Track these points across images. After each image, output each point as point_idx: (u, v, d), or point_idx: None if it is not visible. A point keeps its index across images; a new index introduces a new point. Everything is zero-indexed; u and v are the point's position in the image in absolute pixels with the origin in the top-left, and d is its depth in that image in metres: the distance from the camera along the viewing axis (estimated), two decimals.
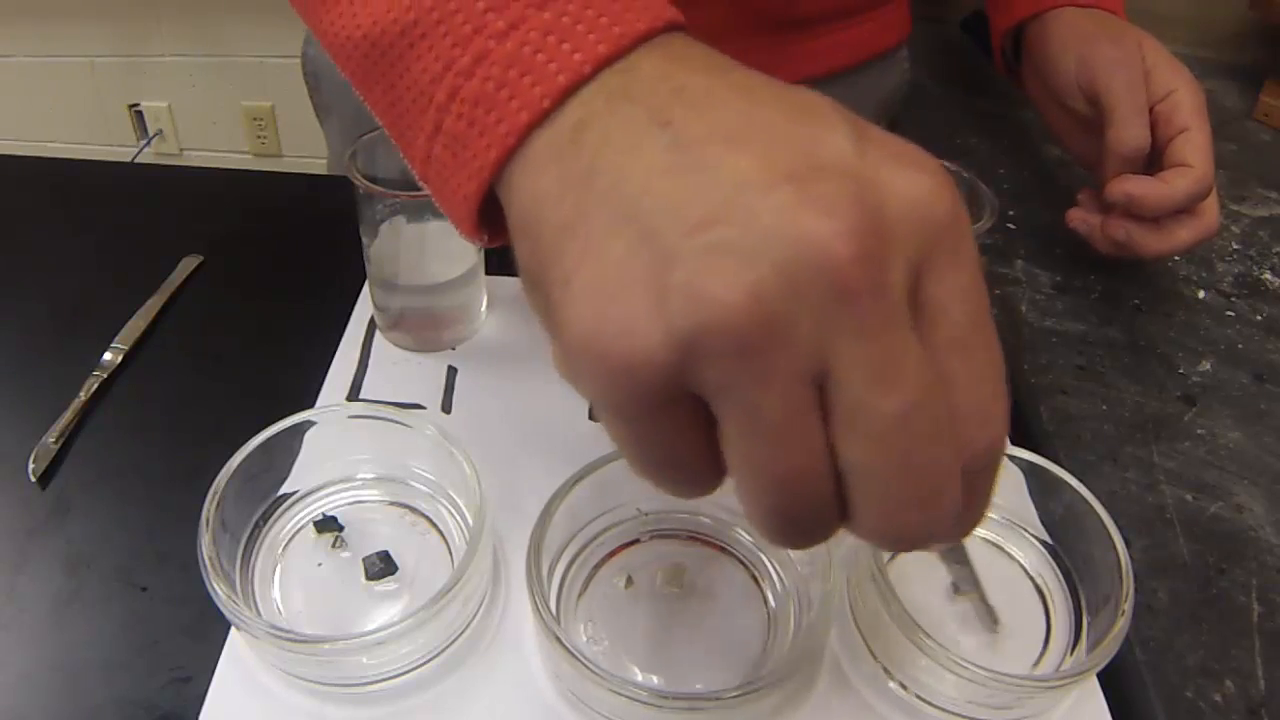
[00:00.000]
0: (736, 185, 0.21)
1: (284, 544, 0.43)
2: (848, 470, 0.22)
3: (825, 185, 0.21)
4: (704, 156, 0.22)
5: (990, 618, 0.41)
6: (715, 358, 0.20)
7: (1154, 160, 0.57)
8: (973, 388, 0.22)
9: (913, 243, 0.21)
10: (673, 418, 0.22)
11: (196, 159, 2.01)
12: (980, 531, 0.45)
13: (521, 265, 0.26)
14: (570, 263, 0.23)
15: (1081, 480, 0.42)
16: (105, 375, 0.52)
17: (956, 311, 0.22)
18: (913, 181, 0.22)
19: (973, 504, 0.24)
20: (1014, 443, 0.50)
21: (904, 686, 0.39)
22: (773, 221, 0.20)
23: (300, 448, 0.44)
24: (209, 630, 0.40)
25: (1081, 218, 0.60)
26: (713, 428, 0.22)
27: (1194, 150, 0.55)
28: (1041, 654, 0.41)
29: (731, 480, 0.23)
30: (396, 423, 0.43)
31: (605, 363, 0.21)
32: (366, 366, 0.53)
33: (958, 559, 0.35)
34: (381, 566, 0.42)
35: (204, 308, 0.58)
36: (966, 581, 0.36)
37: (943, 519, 0.22)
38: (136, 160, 1.88)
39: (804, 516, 0.23)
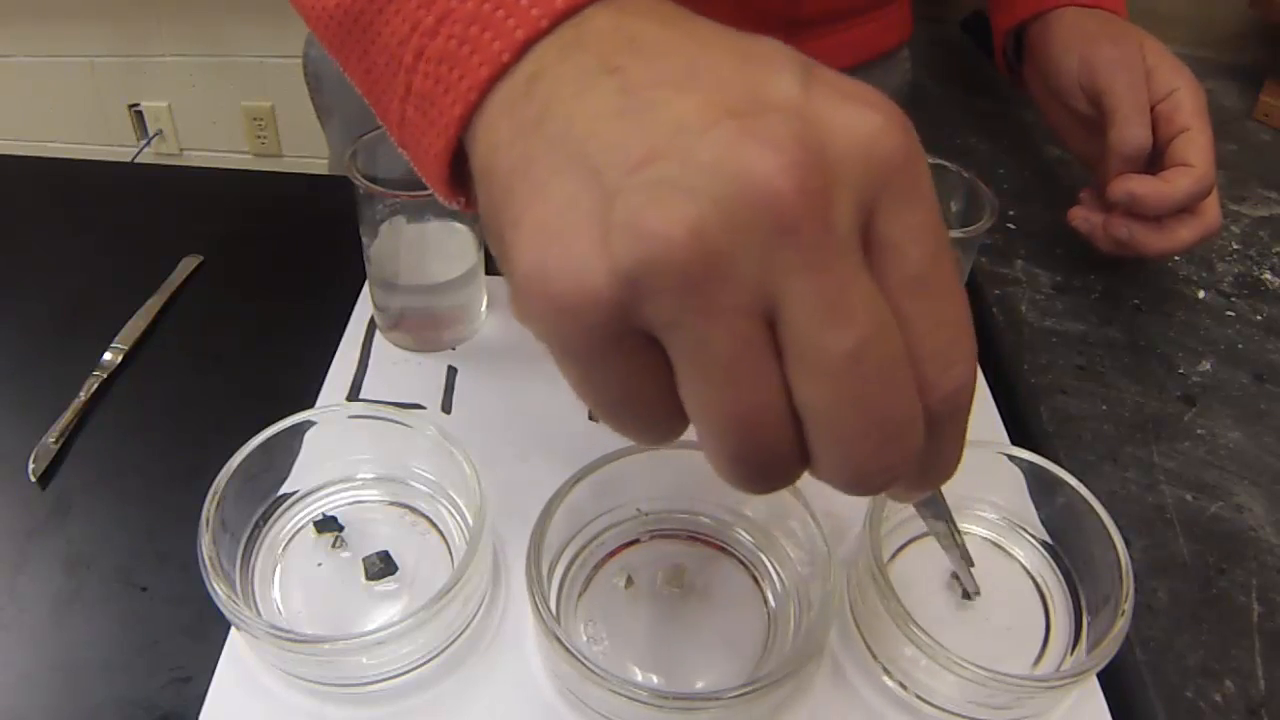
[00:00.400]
0: (679, 124, 0.21)
1: (284, 544, 0.43)
2: (803, 409, 0.22)
3: (767, 122, 0.21)
4: (650, 99, 0.22)
5: (970, 582, 0.41)
6: (659, 293, 0.20)
7: (1155, 160, 0.57)
8: (932, 328, 0.22)
9: (860, 180, 0.21)
10: (624, 357, 0.22)
11: (196, 159, 2.01)
12: (980, 531, 0.46)
13: (481, 213, 0.26)
14: (520, 205, 0.23)
15: (1081, 480, 0.42)
16: (105, 375, 0.52)
17: (912, 250, 0.22)
18: (861, 119, 0.21)
19: (943, 450, 0.24)
20: (1014, 443, 0.50)
21: (904, 686, 0.39)
22: (713, 157, 0.20)
23: (300, 448, 0.44)
24: (209, 630, 0.40)
25: (1083, 216, 0.60)
26: (670, 370, 0.22)
27: (1195, 150, 0.55)
28: (1041, 654, 0.41)
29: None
30: (396, 423, 0.43)
31: (551, 301, 0.21)
32: (366, 366, 0.53)
33: (935, 513, 0.35)
34: (381, 566, 0.42)
35: (204, 308, 0.58)
36: (944, 538, 0.35)
37: (902, 461, 0.22)
38: (136, 160, 1.88)
39: (763, 458, 0.22)
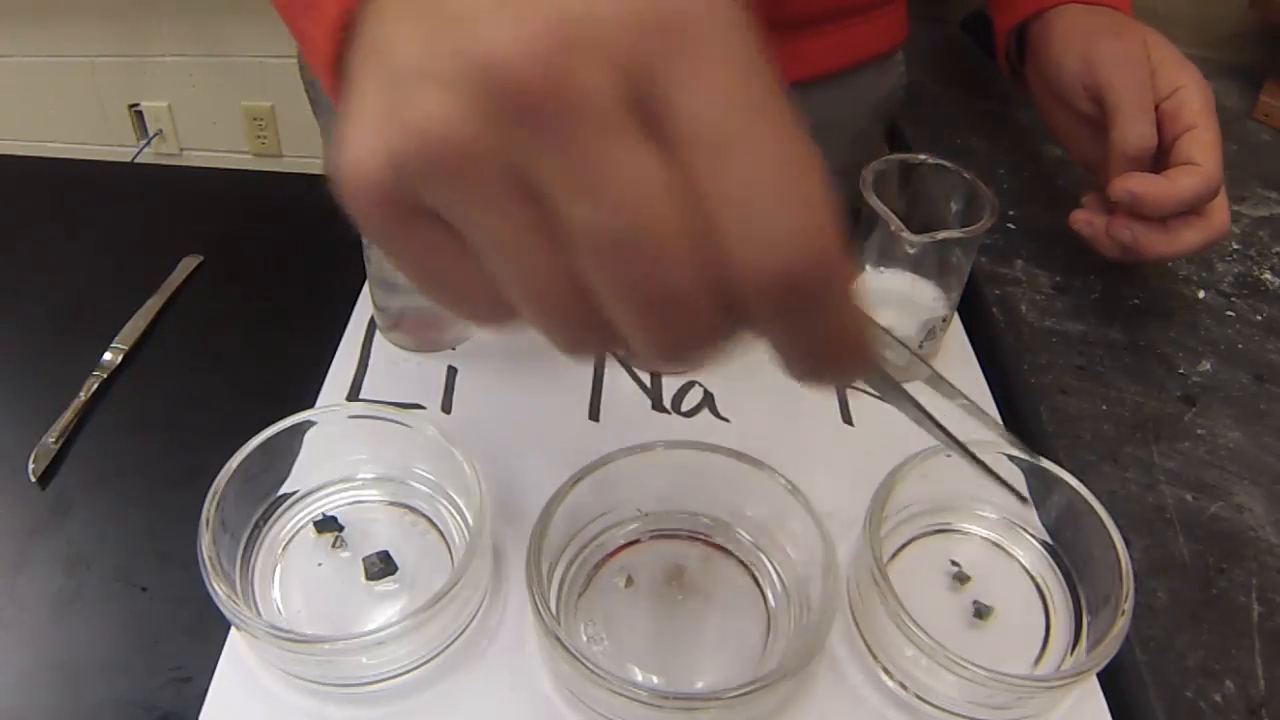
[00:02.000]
0: (457, 16, 0.21)
1: (284, 544, 0.43)
2: (592, 287, 0.22)
3: (525, 1, 0.20)
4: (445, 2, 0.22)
5: (1012, 490, 0.37)
6: (424, 181, 0.21)
7: (1160, 160, 0.56)
8: (739, 200, 0.20)
9: (629, 48, 0.20)
10: (419, 237, 0.23)
11: (196, 159, 2.01)
12: (980, 531, 0.46)
13: None
14: (344, 100, 0.24)
15: (1081, 480, 0.42)
16: (105, 375, 0.52)
17: (707, 115, 0.20)
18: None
19: (820, 333, 0.22)
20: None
21: (904, 686, 0.39)
22: (469, 47, 0.20)
23: (300, 448, 0.44)
24: (209, 630, 0.40)
25: (1086, 219, 0.59)
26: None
27: (1201, 148, 0.54)
28: (1041, 654, 0.41)
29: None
30: (396, 423, 0.43)
31: (343, 185, 0.23)
32: (366, 366, 0.53)
33: (893, 398, 0.30)
34: (381, 566, 0.42)
35: (204, 308, 0.58)
36: (927, 426, 0.32)
37: (701, 342, 0.22)
38: (136, 160, 1.88)
39: (570, 331, 0.23)
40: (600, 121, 0.20)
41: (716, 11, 0.21)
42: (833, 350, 0.23)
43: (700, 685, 0.39)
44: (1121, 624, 0.37)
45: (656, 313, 0.21)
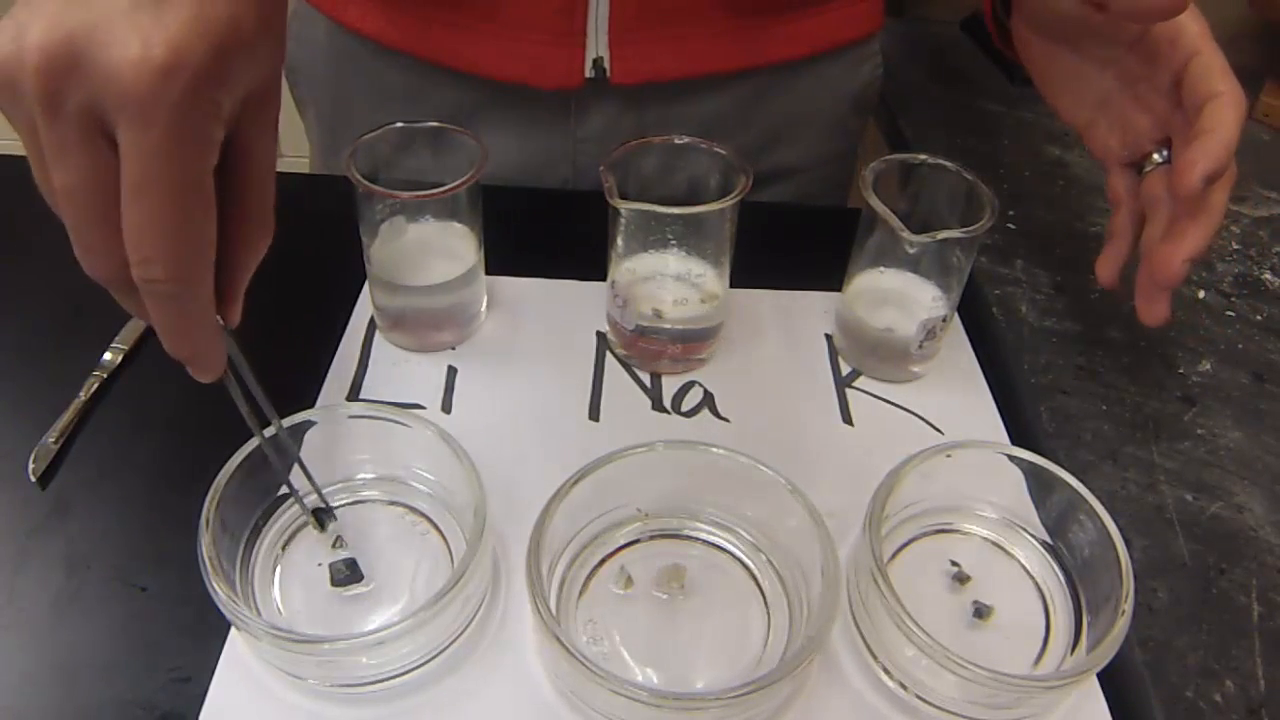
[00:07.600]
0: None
1: (284, 544, 0.43)
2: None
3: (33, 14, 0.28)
4: None
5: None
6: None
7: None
8: (132, 221, 0.30)
9: (92, 85, 0.28)
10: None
11: None
12: (980, 531, 0.46)
13: None
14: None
15: (1081, 480, 0.42)
16: (105, 375, 0.52)
17: (129, 164, 0.29)
18: (125, 48, 0.28)
19: (153, 314, 0.35)
20: (1014, 443, 0.50)
21: (904, 686, 0.39)
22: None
23: (300, 448, 0.44)
24: (209, 630, 0.40)
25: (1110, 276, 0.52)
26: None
27: (1216, 74, 0.50)
28: (1041, 654, 0.41)
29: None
30: (396, 423, 0.43)
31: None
32: (366, 366, 0.53)
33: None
34: (347, 574, 0.41)
35: None
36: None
37: (109, 271, 0.33)
38: None
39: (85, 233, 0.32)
40: (65, 118, 0.29)
41: (158, 94, 0.29)
42: (168, 322, 0.37)
43: (700, 685, 0.39)
44: (1121, 624, 0.37)
45: (83, 248, 0.33)
